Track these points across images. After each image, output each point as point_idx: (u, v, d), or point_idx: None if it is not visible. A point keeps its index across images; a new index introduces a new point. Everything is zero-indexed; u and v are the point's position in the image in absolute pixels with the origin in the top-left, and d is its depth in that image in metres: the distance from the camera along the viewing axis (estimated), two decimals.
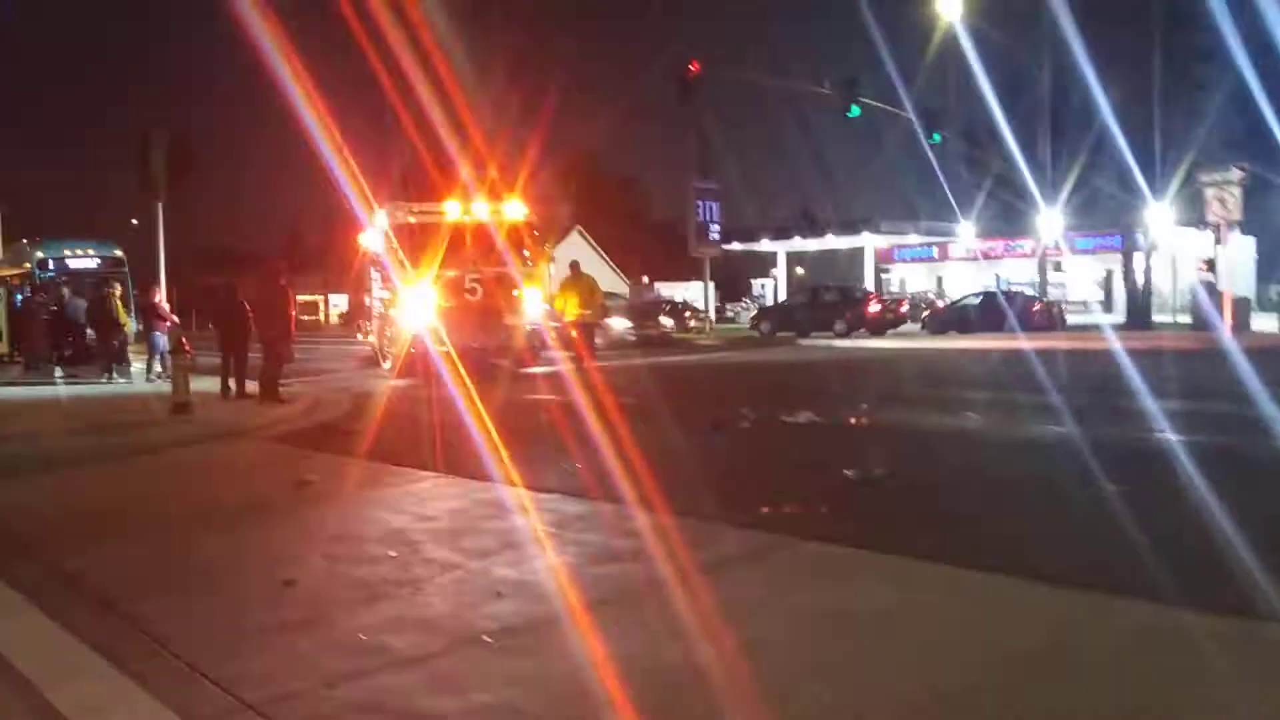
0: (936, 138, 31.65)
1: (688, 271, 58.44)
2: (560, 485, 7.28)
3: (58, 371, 19.24)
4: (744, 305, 54.01)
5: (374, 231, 18.34)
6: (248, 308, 14.01)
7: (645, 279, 55.78)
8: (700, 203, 47.74)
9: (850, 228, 47.99)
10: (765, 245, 52.59)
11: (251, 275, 17.78)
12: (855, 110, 28.65)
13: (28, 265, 24.66)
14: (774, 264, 54.74)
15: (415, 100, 21.15)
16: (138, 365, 20.80)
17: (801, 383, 16.73)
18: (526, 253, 17.33)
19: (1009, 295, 33.94)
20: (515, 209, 17.46)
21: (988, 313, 31.64)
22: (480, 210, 17.04)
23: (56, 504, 7.54)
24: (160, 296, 18.19)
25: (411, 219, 17.12)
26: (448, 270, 16.76)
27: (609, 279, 49.58)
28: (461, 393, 13.44)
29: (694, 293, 51.35)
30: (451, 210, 17.00)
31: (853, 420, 10.96)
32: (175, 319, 18.22)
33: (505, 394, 14.39)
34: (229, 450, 10.21)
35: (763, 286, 55.50)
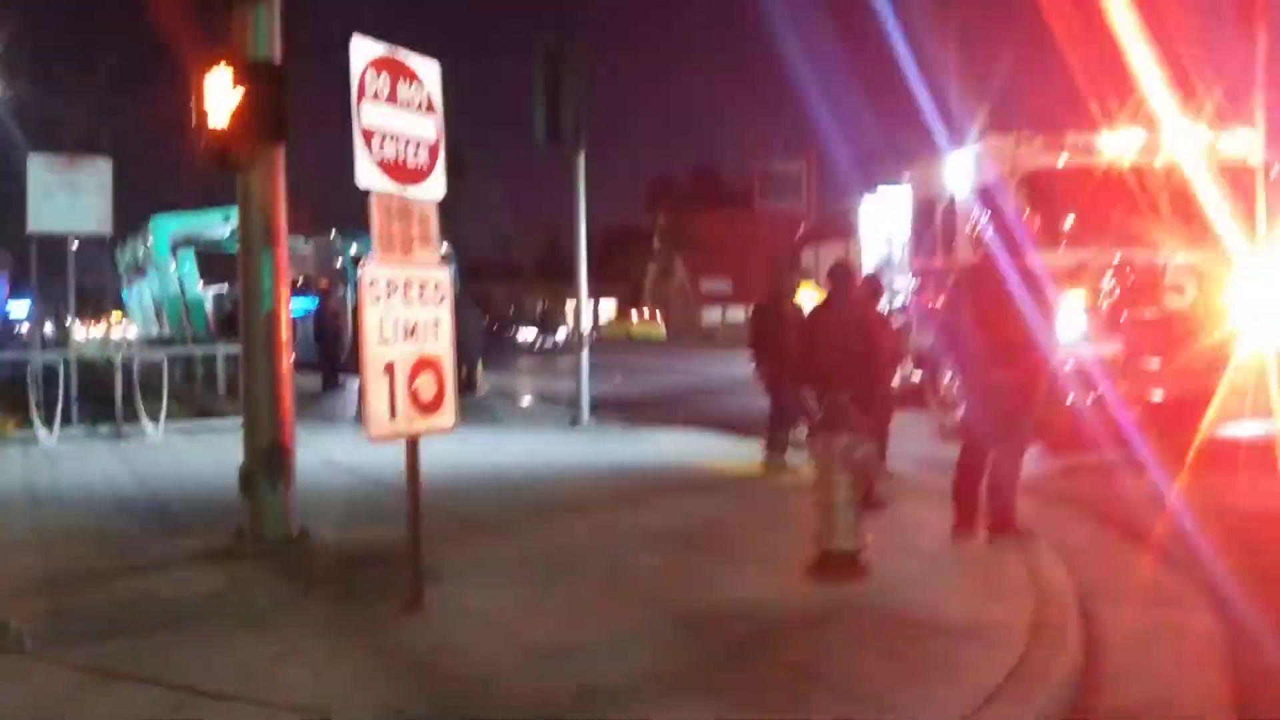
0: None
1: None
2: None
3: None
4: None
5: (960, 183, 10.79)
6: (866, 320, 6.98)
7: None
8: None
9: None
10: None
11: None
12: None
13: (340, 263, 18.83)
14: None
15: None
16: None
17: None
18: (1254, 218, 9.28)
19: None
20: (1240, 140, 9.52)
21: None
22: (1180, 142, 9.18)
23: None
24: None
25: (1054, 161, 9.49)
26: (1117, 251, 9.09)
27: None
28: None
29: None
30: (1124, 145, 9.26)
31: None
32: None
33: None
34: None
35: None
